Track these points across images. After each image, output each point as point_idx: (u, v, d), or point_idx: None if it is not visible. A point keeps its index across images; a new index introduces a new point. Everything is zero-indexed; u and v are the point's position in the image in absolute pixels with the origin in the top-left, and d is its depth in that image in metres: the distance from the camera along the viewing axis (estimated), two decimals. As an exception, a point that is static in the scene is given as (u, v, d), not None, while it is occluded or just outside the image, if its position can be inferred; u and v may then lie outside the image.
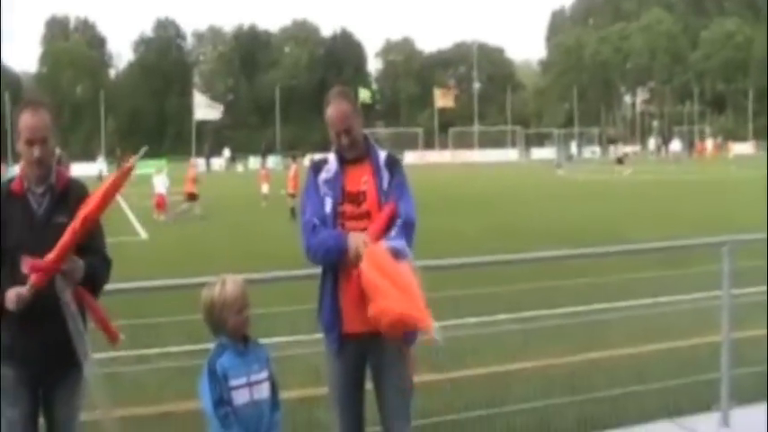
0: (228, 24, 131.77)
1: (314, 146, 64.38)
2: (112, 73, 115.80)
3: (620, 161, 48.34)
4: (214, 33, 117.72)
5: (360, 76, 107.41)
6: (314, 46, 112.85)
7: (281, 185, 26.53)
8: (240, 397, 3.55)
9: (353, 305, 3.85)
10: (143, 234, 21.08)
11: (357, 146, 4.08)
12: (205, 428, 3.62)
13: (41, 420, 3.86)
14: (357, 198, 4.02)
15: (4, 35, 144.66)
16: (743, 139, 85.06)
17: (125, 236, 18.75)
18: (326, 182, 4.06)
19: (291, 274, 5.02)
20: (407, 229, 3.93)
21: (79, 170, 44.92)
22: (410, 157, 67.42)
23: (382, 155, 4.14)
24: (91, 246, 3.72)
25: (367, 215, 4.00)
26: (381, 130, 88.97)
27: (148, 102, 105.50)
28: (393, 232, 3.87)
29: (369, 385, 4.16)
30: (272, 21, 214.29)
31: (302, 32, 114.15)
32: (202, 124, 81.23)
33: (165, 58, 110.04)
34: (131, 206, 26.44)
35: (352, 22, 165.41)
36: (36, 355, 3.69)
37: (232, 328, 3.62)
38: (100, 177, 50.26)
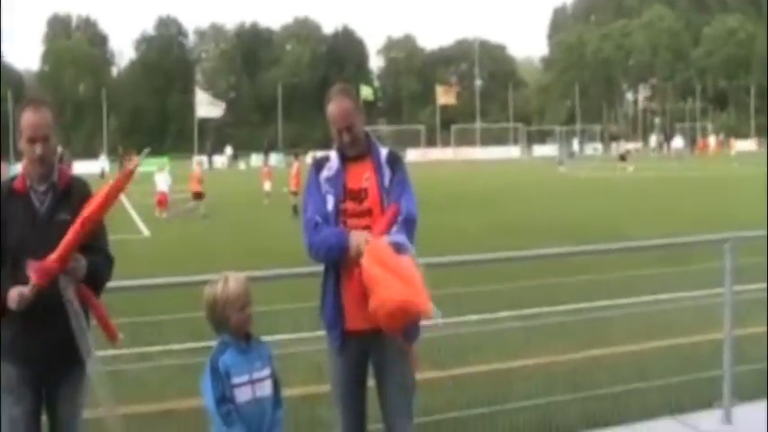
0: (230, 22, 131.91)
1: (316, 143, 64.33)
2: (114, 71, 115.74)
3: (622, 158, 48.36)
4: (216, 31, 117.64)
5: (361, 73, 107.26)
6: (316, 43, 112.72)
7: (284, 183, 26.54)
8: (242, 394, 3.56)
9: (355, 303, 3.85)
10: (145, 232, 21.10)
11: (358, 143, 4.08)
12: (207, 426, 3.62)
13: (44, 418, 3.87)
14: (359, 195, 4.02)
15: (5, 34, 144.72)
16: (745, 136, 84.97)
17: (127, 233, 18.76)
18: (328, 179, 4.06)
19: (294, 272, 5.03)
20: (408, 225, 3.93)
21: (81, 168, 44.96)
22: (412, 155, 67.39)
23: (383, 152, 4.14)
24: (93, 244, 3.72)
25: (368, 212, 4.00)
26: (383, 128, 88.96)
27: (150, 100, 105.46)
28: (394, 228, 3.87)
29: (371, 382, 4.16)
30: (274, 18, 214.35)
31: (304, 30, 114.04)
32: (204, 122, 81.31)
33: (166, 55, 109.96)
34: (134, 204, 26.45)
35: (354, 20, 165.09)
36: (39, 354, 3.69)
37: (234, 326, 3.62)
38: (102, 175, 50.40)
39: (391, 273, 3.61)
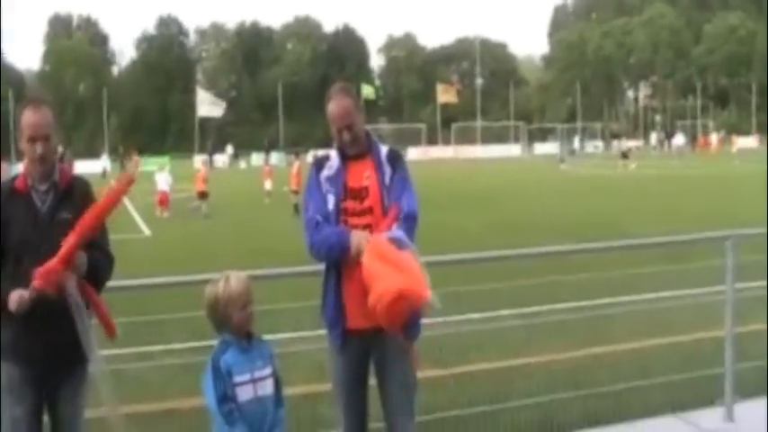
0: (231, 21, 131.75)
1: (317, 142, 64.29)
2: (115, 70, 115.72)
3: (624, 156, 48.27)
4: (216, 30, 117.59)
5: (362, 72, 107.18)
6: (316, 42, 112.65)
7: (285, 182, 26.55)
8: (244, 393, 3.56)
9: (357, 301, 3.85)
10: (146, 231, 21.12)
11: (359, 142, 4.08)
12: (209, 425, 3.62)
13: (46, 418, 3.87)
14: (359, 194, 4.02)
15: (6, 33, 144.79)
16: (746, 133, 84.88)
17: (128, 233, 18.77)
18: (329, 179, 4.06)
19: (295, 271, 5.03)
20: (409, 223, 3.92)
21: (83, 168, 44.87)
22: (413, 153, 67.37)
23: (384, 150, 4.14)
24: (94, 242, 3.72)
25: (369, 211, 4.00)
26: (384, 126, 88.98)
27: (151, 99, 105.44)
28: (395, 225, 3.87)
29: (372, 381, 4.16)
30: (275, 17, 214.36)
31: (304, 29, 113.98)
32: (205, 121, 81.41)
33: (167, 55, 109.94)
34: (135, 203, 26.47)
35: (355, 19, 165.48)
36: (40, 354, 3.70)
37: (236, 325, 3.62)
38: (104, 175, 50.39)
39: (391, 265, 3.61)
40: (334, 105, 4.04)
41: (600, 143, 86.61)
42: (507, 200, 27.40)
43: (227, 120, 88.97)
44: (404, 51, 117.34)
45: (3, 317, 3.62)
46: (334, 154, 4.12)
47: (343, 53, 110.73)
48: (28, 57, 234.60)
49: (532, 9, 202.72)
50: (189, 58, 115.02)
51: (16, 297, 3.50)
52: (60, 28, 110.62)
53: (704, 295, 8.76)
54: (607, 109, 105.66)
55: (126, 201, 26.88)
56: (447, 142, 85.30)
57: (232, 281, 3.65)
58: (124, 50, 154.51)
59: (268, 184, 29.43)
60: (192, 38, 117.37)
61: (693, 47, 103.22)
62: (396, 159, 4.11)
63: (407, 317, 3.76)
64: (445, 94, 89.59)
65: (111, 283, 3.94)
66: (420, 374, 4.19)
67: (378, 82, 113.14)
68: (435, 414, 5.50)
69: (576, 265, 10.63)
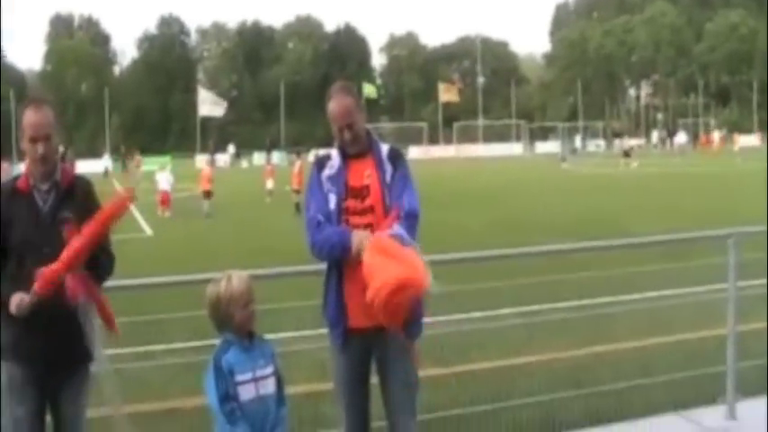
0: (232, 20, 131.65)
1: (318, 141, 64.30)
2: (117, 70, 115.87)
3: (626, 154, 48.28)
4: (218, 30, 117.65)
5: (364, 71, 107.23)
6: (317, 41, 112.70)
7: (286, 181, 26.55)
8: (246, 392, 3.56)
9: (358, 301, 3.84)
10: (148, 231, 21.12)
11: (360, 141, 4.07)
12: (211, 424, 3.63)
13: (48, 418, 3.88)
14: (360, 193, 4.02)
15: (7, 33, 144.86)
16: (748, 131, 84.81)
17: (130, 233, 18.77)
18: (330, 178, 4.06)
19: (296, 270, 5.03)
20: (411, 221, 3.91)
21: (85, 167, 44.96)
22: (414, 152, 67.38)
23: (385, 148, 4.13)
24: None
25: (371, 210, 4.00)
26: (386, 125, 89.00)
27: (153, 98, 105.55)
28: (396, 223, 3.86)
29: (374, 380, 4.16)
30: (276, 16, 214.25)
31: (306, 28, 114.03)
32: (207, 120, 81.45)
33: (168, 54, 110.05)
34: (136, 203, 26.45)
35: (356, 17, 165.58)
36: (42, 354, 3.70)
37: (238, 323, 3.62)
38: (105, 174, 50.46)
39: (391, 258, 3.61)
40: (335, 104, 4.04)
41: (601, 142, 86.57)
42: (509, 198, 27.39)
43: (228, 119, 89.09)
44: (405, 50, 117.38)
45: (4, 317, 3.63)
46: (335, 153, 4.11)
47: (344, 52, 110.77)
48: (29, 56, 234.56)
49: (534, 7, 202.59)
50: (190, 58, 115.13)
51: (17, 300, 3.50)
52: (62, 28, 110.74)
53: (706, 293, 8.75)
54: (609, 107, 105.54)
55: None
56: (448, 141, 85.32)
57: (234, 280, 3.66)
58: (126, 50, 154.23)
59: (269, 184, 29.44)
60: (194, 37, 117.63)
61: (695, 45, 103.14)
62: (396, 158, 4.10)
63: (408, 311, 3.75)
64: (447, 93, 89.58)
65: (112, 283, 3.94)
66: (421, 373, 4.19)
67: (379, 81, 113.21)
68: (437, 413, 5.50)
69: (578, 263, 10.63)
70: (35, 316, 3.53)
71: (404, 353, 3.97)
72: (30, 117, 3.72)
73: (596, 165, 49.29)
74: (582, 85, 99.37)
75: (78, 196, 3.84)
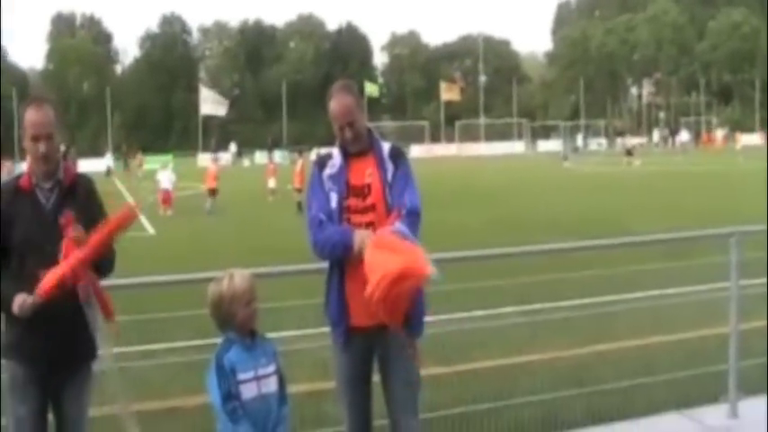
0: (234, 19, 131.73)
1: (320, 140, 64.29)
2: (119, 69, 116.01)
3: (629, 153, 48.26)
4: (219, 28, 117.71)
5: (365, 69, 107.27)
6: (319, 40, 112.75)
7: (288, 180, 26.56)
8: (248, 391, 3.56)
9: (360, 299, 3.83)
10: (150, 230, 21.12)
11: (361, 139, 4.07)
12: (213, 423, 3.63)
13: (51, 417, 3.88)
14: (362, 191, 4.02)
15: (9, 33, 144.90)
16: (750, 129, 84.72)
17: (132, 231, 18.68)
18: (331, 177, 4.06)
19: (298, 269, 5.03)
20: (412, 219, 3.91)
21: (87, 166, 44.97)
22: (416, 151, 67.39)
23: (386, 147, 4.13)
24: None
25: (372, 208, 3.99)
26: (387, 124, 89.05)
27: (155, 97, 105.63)
28: (397, 221, 3.86)
29: (376, 378, 4.16)
30: (278, 15, 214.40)
31: (307, 27, 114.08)
32: (208, 119, 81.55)
33: (170, 53, 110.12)
34: (138, 202, 26.49)
35: (358, 16, 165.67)
36: (44, 353, 3.70)
37: (240, 322, 3.62)
38: (108, 173, 50.44)
39: (391, 251, 3.60)
40: (336, 103, 4.04)
41: (603, 140, 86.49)
42: (510, 197, 27.38)
43: (230, 118, 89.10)
44: (407, 49, 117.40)
45: (6, 317, 3.63)
46: (336, 152, 4.11)
47: (346, 51, 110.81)
48: (31, 55, 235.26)
49: (535, 6, 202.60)
50: (192, 57, 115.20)
51: (20, 300, 3.51)
52: (63, 26, 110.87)
53: (708, 292, 8.74)
54: (610, 106, 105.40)
55: (130, 199, 26.94)
56: (450, 140, 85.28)
57: (236, 278, 3.66)
58: (127, 49, 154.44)
59: (271, 183, 29.45)
60: (196, 36, 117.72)
61: (697, 43, 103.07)
62: (398, 156, 4.10)
63: (408, 302, 3.74)
64: (448, 92, 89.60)
65: (115, 282, 3.94)
66: (423, 372, 4.19)
67: (381, 80, 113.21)
68: (439, 411, 5.50)
69: (580, 262, 10.62)
70: (37, 315, 3.53)
71: (406, 351, 3.96)
72: (31, 116, 3.73)
73: (598, 163, 49.27)
74: (584, 84, 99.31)
75: (80, 195, 3.84)
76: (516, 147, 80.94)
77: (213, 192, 25.80)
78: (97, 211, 3.88)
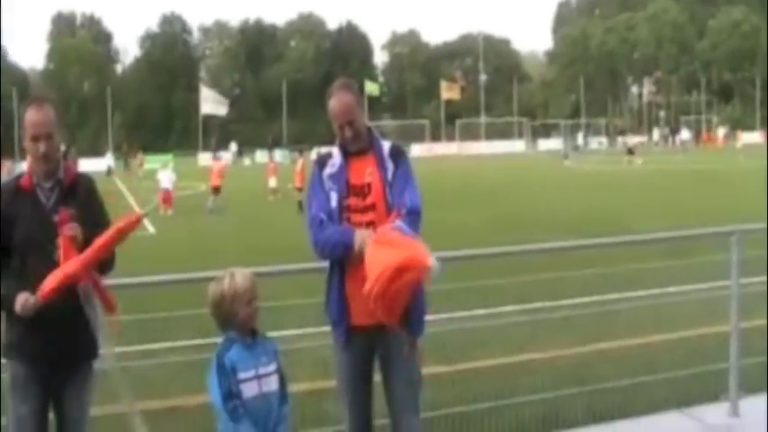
0: (234, 19, 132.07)
1: (320, 139, 64.27)
2: (119, 68, 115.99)
3: (630, 151, 48.24)
4: (220, 28, 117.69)
5: (366, 68, 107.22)
6: (320, 39, 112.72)
7: (288, 179, 26.56)
8: (249, 390, 3.56)
9: (360, 299, 3.82)
10: (151, 229, 21.11)
11: (360, 138, 4.06)
12: (214, 422, 3.63)
13: (52, 416, 3.88)
14: (362, 191, 4.02)
15: (9, 32, 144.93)
16: (750, 128, 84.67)
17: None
18: (331, 176, 4.05)
19: (299, 268, 5.03)
20: (413, 218, 3.90)
21: (88, 166, 44.94)
22: (417, 150, 67.37)
23: (386, 145, 4.12)
24: (96, 233, 3.72)
25: (372, 207, 3.99)
26: (388, 123, 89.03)
27: (155, 97, 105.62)
28: (398, 220, 3.85)
29: (377, 377, 4.16)
30: (278, 14, 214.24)
31: (308, 26, 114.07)
32: (209, 119, 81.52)
33: (171, 53, 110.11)
34: (139, 201, 26.49)
35: (358, 15, 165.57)
36: (45, 353, 3.71)
37: (241, 321, 3.62)
38: (108, 172, 50.44)
39: (391, 245, 3.60)
40: (335, 101, 4.03)
41: (604, 139, 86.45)
42: (511, 196, 27.38)
43: (230, 117, 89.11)
44: (407, 48, 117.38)
45: (7, 316, 3.63)
46: (336, 151, 4.11)
47: (346, 50, 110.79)
48: (31, 55, 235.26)
49: (536, 5, 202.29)
50: (192, 56, 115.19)
51: (22, 300, 3.52)
52: (64, 26, 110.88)
53: (709, 290, 8.74)
54: (611, 105, 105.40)
55: (130, 199, 26.95)
56: (451, 138, 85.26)
57: (237, 277, 3.66)
58: (128, 48, 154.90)
59: (272, 182, 29.46)
60: (196, 36, 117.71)
61: (697, 42, 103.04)
62: (398, 155, 4.09)
63: (407, 297, 3.72)
64: (449, 91, 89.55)
65: (116, 281, 3.95)
66: (424, 371, 4.19)
67: (381, 79, 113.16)
68: (440, 410, 5.50)
69: (581, 260, 10.63)
70: (38, 315, 3.54)
71: (406, 350, 3.96)
72: (31, 116, 3.73)
73: (599, 162, 49.26)
74: (584, 83, 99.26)
75: (81, 194, 3.84)
76: (517, 146, 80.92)
77: (217, 189, 25.90)
78: (98, 210, 3.89)
